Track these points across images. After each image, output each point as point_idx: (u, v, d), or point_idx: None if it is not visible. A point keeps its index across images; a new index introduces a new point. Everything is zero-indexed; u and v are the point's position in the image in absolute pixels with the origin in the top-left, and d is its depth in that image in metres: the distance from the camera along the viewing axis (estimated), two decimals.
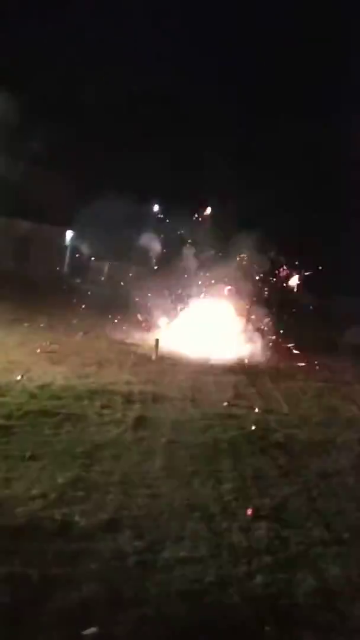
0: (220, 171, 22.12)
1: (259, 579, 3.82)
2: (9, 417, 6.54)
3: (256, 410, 8.49)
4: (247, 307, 14.96)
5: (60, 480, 4.99)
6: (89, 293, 18.87)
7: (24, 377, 8.38)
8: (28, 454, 5.47)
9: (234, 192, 19.83)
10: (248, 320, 14.69)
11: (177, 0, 27.31)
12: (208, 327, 13.79)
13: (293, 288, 16.43)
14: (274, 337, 14.68)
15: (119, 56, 25.12)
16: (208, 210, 18.14)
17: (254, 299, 15.16)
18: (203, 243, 15.82)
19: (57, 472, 5.15)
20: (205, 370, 11.32)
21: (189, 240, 16.30)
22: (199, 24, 27.00)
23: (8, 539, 3.96)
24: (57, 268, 24.74)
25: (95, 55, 23.92)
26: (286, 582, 3.86)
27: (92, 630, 3.06)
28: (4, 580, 3.45)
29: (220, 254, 15.72)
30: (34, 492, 4.70)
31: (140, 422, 7.07)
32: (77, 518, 4.34)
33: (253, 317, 14.83)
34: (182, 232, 16.69)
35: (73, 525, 4.24)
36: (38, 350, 10.58)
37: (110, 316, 15.66)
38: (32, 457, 5.42)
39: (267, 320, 14.85)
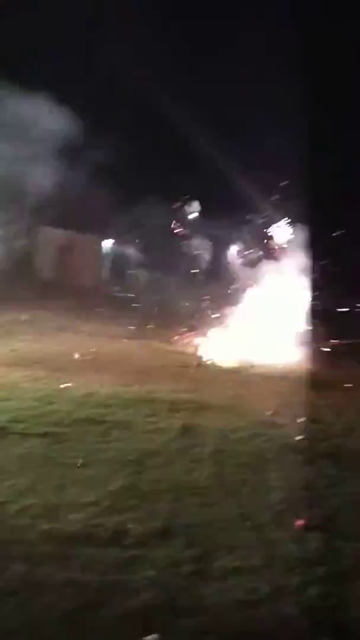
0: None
1: (313, 590, 3.81)
2: (58, 424, 6.71)
3: (301, 419, 8.42)
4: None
5: (111, 487, 5.08)
6: (130, 301, 19.09)
7: (70, 385, 8.56)
8: (79, 461, 5.59)
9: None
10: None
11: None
12: (251, 334, 13.76)
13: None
14: (319, 343, 14.50)
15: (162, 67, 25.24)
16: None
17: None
18: (250, 245, 15.76)
19: (108, 479, 5.25)
20: (248, 378, 11.30)
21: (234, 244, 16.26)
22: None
23: (65, 544, 4.07)
24: (98, 277, 25.09)
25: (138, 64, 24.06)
26: (341, 593, 3.83)
27: (153, 637, 3.11)
28: (65, 585, 3.55)
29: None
30: (87, 499, 4.80)
31: (185, 430, 7.12)
32: (130, 525, 4.42)
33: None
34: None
35: (127, 533, 4.32)
36: (81, 358, 10.78)
37: (151, 324, 15.79)
38: (83, 465, 5.54)
39: (315, 326, 14.71)
